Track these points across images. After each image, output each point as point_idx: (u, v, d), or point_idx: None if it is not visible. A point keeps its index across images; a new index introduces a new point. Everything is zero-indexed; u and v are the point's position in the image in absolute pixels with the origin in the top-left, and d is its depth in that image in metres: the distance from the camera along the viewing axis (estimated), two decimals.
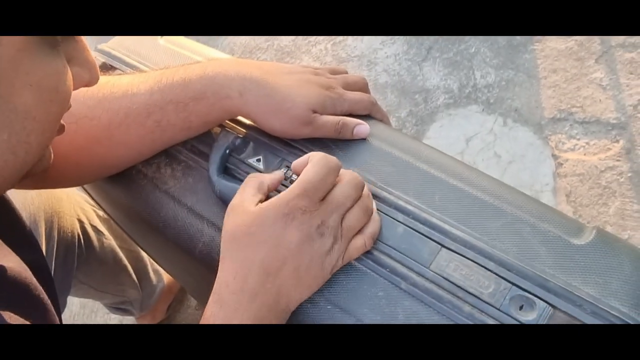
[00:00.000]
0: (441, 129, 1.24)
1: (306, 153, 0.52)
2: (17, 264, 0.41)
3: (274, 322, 0.43)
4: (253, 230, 0.42)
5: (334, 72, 0.57)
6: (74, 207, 0.77)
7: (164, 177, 0.55)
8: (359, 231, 0.45)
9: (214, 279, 0.48)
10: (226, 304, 0.42)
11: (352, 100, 0.54)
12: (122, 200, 0.58)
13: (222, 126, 0.56)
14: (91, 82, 0.40)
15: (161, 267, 0.90)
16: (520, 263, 0.44)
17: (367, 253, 0.46)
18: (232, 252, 0.43)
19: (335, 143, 0.53)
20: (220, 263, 0.44)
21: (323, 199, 0.44)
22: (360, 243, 0.45)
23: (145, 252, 0.82)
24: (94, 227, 0.80)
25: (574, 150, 1.15)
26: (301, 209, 0.42)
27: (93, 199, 0.69)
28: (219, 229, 0.51)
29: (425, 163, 0.51)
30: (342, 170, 0.46)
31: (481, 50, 1.31)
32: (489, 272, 0.44)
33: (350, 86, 0.56)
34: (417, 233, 0.47)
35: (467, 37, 1.33)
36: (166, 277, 1.05)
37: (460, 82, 1.28)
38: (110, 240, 0.83)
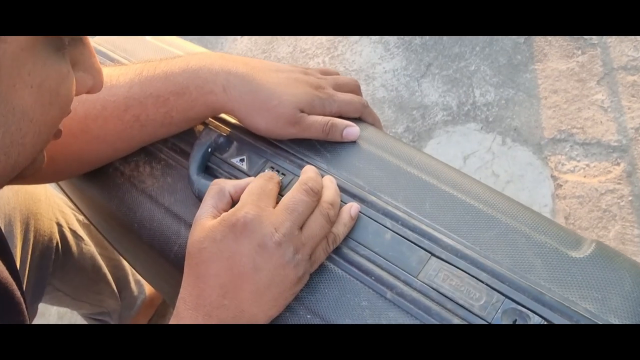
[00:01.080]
0: (438, 145, 1.21)
1: (292, 154, 0.50)
2: None
3: None
4: (205, 245, 0.41)
5: (325, 73, 0.55)
6: (53, 210, 0.74)
7: (142, 175, 0.53)
8: None
9: None
10: (183, 320, 0.41)
11: (343, 101, 0.52)
12: (98, 199, 0.55)
13: (205, 124, 0.54)
14: (94, 88, 0.39)
15: (140, 275, 0.87)
16: (514, 275, 0.41)
17: (352, 259, 0.43)
18: (189, 267, 0.42)
19: (322, 145, 0.51)
20: (183, 277, 0.43)
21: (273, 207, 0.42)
22: (324, 244, 0.43)
23: (124, 258, 0.79)
24: (73, 232, 0.77)
25: (573, 171, 1.13)
26: (247, 215, 0.40)
27: (70, 199, 0.66)
28: None
29: (417, 169, 0.48)
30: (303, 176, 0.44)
31: (481, 69, 1.29)
32: (480, 284, 0.41)
33: (341, 87, 0.54)
34: (405, 240, 0.44)
35: (467, 55, 1.32)
36: (148, 288, 1.02)
37: (459, 100, 1.26)
38: (89, 247, 0.80)
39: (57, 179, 0.56)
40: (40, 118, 0.34)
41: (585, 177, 1.11)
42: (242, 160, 0.51)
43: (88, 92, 0.38)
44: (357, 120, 0.54)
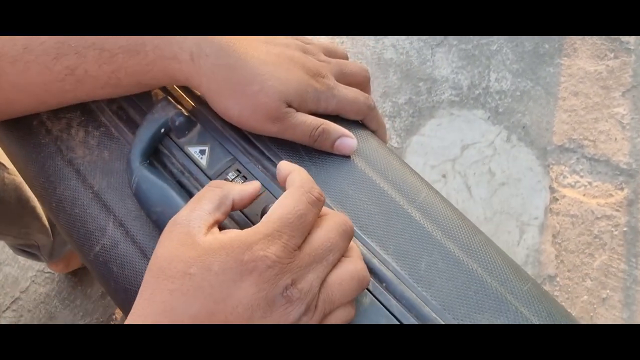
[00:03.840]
0: (438, 127, 1.10)
1: (266, 157, 0.39)
2: None
3: None
4: (193, 271, 0.29)
5: (330, 54, 0.43)
6: None
7: (72, 140, 0.41)
8: None
9: (109, 292, 0.35)
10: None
11: (344, 98, 0.40)
12: (15, 153, 0.44)
13: (166, 91, 0.41)
14: None
15: None
16: None
17: None
18: (156, 291, 0.29)
19: (308, 152, 0.40)
20: (137, 298, 0.30)
21: (299, 248, 0.30)
22: (342, 317, 0.31)
23: None
24: None
25: (574, 187, 1.04)
26: (269, 258, 0.28)
27: None
28: (127, 234, 0.38)
29: (420, 211, 0.38)
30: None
31: (503, 50, 1.16)
32: None
33: (346, 77, 0.42)
34: (386, 311, 0.34)
35: None
36: None
37: (471, 80, 1.14)
38: (14, 177, 0.69)
39: None
40: None
41: (584, 195, 1.03)
42: (202, 151, 0.39)
43: None
44: (358, 124, 0.43)
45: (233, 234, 0.30)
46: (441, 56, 1.17)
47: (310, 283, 0.29)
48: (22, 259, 1.04)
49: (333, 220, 0.32)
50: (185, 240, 0.30)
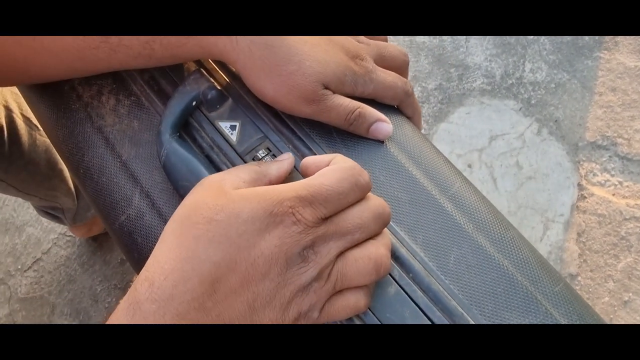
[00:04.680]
0: (467, 116, 1.08)
1: (299, 138, 0.38)
2: None
3: None
4: (220, 217, 0.29)
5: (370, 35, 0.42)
6: (2, 90, 0.62)
7: (103, 107, 0.41)
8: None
9: (132, 263, 0.35)
10: (140, 314, 0.28)
11: (382, 83, 0.39)
12: (45, 117, 0.44)
13: (200, 63, 0.41)
14: None
15: None
16: None
17: None
18: (178, 237, 0.29)
19: (340, 135, 0.39)
20: (156, 246, 0.30)
21: (327, 218, 0.30)
22: (352, 301, 0.31)
23: None
24: (27, 119, 0.65)
25: (603, 185, 1.01)
26: (295, 216, 0.29)
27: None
28: (154, 206, 0.37)
29: (452, 202, 0.37)
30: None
31: (541, 39, 1.13)
32: None
33: (385, 60, 0.41)
34: (411, 303, 0.33)
35: None
36: None
37: (505, 69, 1.11)
38: (45, 138, 0.69)
39: (2, 85, 0.44)
40: None
41: (614, 195, 1.00)
42: (233, 127, 0.38)
43: None
44: (393, 109, 0.41)
45: (265, 187, 0.30)
46: (475, 42, 1.14)
47: (328, 250, 0.30)
48: (45, 221, 1.05)
49: (373, 202, 0.32)
50: (215, 190, 0.30)
